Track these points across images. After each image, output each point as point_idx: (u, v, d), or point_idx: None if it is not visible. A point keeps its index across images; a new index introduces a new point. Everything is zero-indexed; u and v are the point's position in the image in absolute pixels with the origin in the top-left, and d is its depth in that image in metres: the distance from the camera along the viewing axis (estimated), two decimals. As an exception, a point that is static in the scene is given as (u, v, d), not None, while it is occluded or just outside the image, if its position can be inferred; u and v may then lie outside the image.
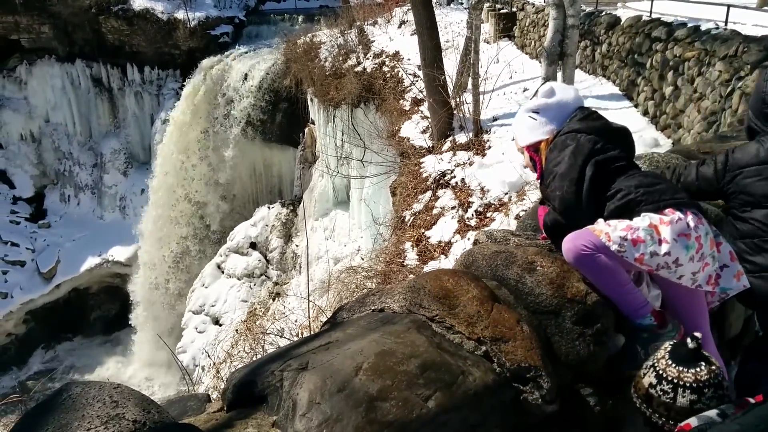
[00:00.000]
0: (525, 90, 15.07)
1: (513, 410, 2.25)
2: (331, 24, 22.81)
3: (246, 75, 24.58)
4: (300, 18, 29.50)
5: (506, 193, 10.74)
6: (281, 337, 7.99)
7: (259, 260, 22.05)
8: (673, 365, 2.07)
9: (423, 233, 11.23)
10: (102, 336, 27.91)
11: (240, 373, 2.19)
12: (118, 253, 27.70)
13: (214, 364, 9.04)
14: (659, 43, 11.49)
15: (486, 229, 4.98)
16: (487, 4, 20.35)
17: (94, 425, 1.77)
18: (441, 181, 12.40)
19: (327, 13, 24.49)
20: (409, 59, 17.78)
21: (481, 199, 11.00)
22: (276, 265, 22.00)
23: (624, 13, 14.51)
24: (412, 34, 18.17)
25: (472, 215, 10.84)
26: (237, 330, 13.13)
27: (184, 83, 26.42)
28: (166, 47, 28.22)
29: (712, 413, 1.94)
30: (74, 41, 28.23)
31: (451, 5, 25.64)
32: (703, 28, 10.58)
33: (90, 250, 27.67)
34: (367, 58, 19.59)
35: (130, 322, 26.48)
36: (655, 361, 2.13)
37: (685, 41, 10.60)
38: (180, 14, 27.88)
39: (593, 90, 13.64)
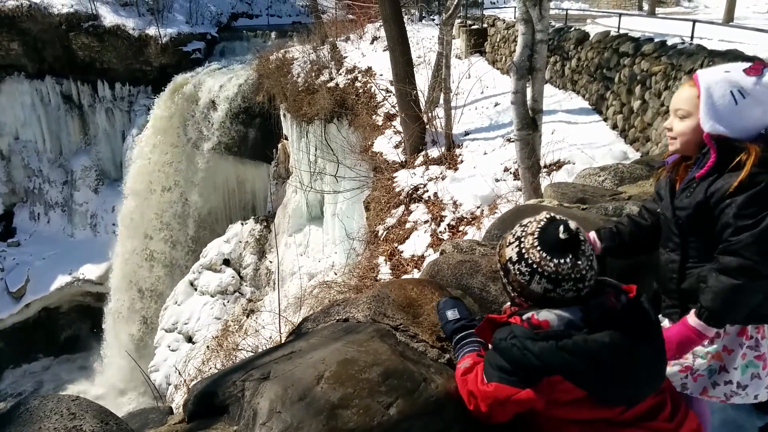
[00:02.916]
0: (496, 105, 15.23)
1: (477, 417, 2.25)
2: (303, 40, 22.91)
3: (218, 91, 24.50)
4: (273, 34, 29.54)
5: (478, 207, 10.81)
6: (254, 353, 7.93)
7: (233, 277, 21.89)
8: (539, 249, 1.97)
9: (396, 247, 11.24)
10: (73, 355, 27.42)
11: (202, 384, 2.17)
12: (89, 271, 27.32)
13: (185, 381, 8.93)
14: (627, 58, 11.68)
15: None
16: (458, 21, 20.55)
17: (50, 438, 1.75)
18: (414, 196, 12.45)
19: (299, 29, 24.62)
20: (381, 75, 17.87)
21: (454, 212, 11.05)
22: (250, 281, 21.85)
23: (593, 29, 14.75)
24: (384, 50, 18.27)
25: (445, 229, 10.88)
26: (208, 346, 13.01)
27: (156, 99, 26.25)
28: (138, 63, 28.11)
29: (572, 315, 1.91)
30: (44, 58, 27.91)
31: (423, 21, 25.86)
32: (670, 43, 10.78)
33: (60, 268, 27.25)
34: (340, 74, 19.66)
35: (101, 342, 26.09)
36: (523, 235, 2.04)
37: (652, 56, 10.79)
38: (151, 30, 27.80)
39: (563, 104, 13.81)
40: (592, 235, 2.84)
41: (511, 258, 2.02)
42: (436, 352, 2.30)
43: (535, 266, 1.96)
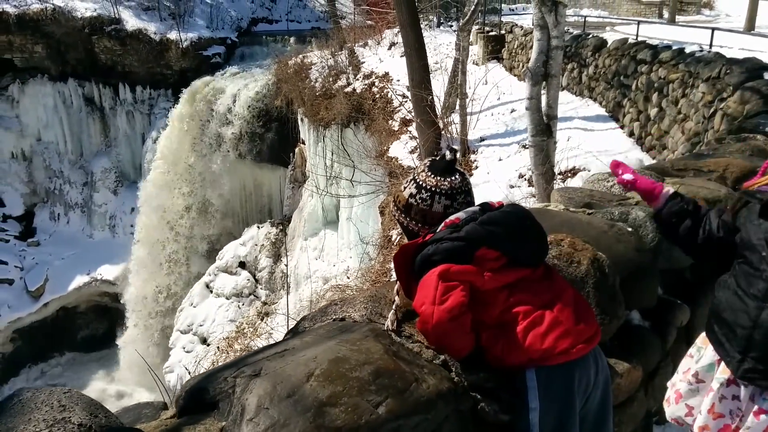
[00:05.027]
0: (512, 111, 15.19)
1: (471, 420, 2.23)
2: (322, 45, 23.00)
3: (237, 95, 24.66)
4: (292, 39, 29.72)
5: (492, 213, 10.75)
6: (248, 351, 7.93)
7: (248, 279, 21.97)
8: (432, 176, 2.42)
9: (409, 252, 11.19)
10: (89, 355, 27.63)
11: (194, 380, 2.17)
12: (107, 271, 27.57)
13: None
14: (644, 66, 11.61)
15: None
16: (475, 27, 20.53)
17: (39, 428, 1.76)
18: (428, 201, 12.40)
19: (318, 35, 24.71)
20: (398, 80, 17.90)
21: (467, 218, 11.00)
22: (265, 284, 21.91)
23: (611, 36, 14.67)
24: (401, 56, 18.30)
25: (458, 235, 10.83)
26: (219, 347, 13.04)
27: (176, 103, 26.47)
28: (159, 67, 28.41)
29: (473, 209, 2.35)
30: (67, 61, 28.31)
31: (441, 27, 25.87)
32: (688, 50, 10.69)
33: (79, 268, 27.51)
34: (357, 79, 19.72)
35: (117, 342, 26.30)
36: (415, 175, 2.46)
37: (670, 63, 10.71)
38: (172, 35, 28.08)
39: (580, 111, 13.75)
40: (668, 189, 2.90)
41: (411, 193, 2.43)
42: (431, 353, 2.29)
43: (433, 189, 2.40)
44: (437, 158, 2.49)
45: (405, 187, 2.47)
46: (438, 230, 2.33)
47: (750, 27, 16.81)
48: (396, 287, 2.50)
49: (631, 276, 3.03)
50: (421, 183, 2.41)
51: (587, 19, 18.84)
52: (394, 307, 2.44)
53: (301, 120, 21.33)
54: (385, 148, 15.71)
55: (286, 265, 20.41)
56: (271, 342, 8.49)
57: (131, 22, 28.25)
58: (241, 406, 1.90)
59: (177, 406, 2.13)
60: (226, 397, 2.01)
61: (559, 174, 10.47)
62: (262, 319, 19.32)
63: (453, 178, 2.42)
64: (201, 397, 2.07)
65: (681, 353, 3.19)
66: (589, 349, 2.26)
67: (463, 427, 2.19)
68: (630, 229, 3.28)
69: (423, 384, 2.06)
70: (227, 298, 21.64)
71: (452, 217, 2.34)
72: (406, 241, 2.50)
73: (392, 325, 2.39)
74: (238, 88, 24.84)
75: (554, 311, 2.24)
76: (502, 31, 20.66)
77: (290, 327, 7.06)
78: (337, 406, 1.87)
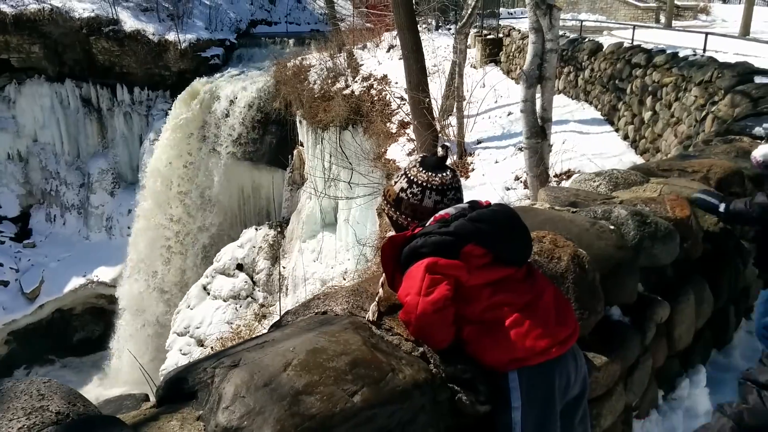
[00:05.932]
0: (509, 114, 15.24)
1: (449, 411, 2.26)
2: (321, 47, 23.05)
3: (236, 97, 24.65)
4: (291, 41, 29.73)
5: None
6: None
7: (246, 282, 21.94)
8: (423, 171, 2.43)
9: (405, 254, 11.21)
10: (85, 357, 27.54)
11: (174, 371, 2.20)
12: (104, 273, 27.48)
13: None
14: (639, 69, 11.67)
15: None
16: (474, 30, 20.58)
17: (17, 416, 1.79)
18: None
19: (317, 37, 24.75)
20: (396, 83, 17.95)
21: (462, 220, 11.03)
22: (262, 286, 21.89)
23: (606, 40, 14.73)
24: (400, 59, 18.33)
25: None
26: (212, 348, 13.05)
27: (174, 104, 26.45)
28: (157, 68, 28.36)
29: (463, 206, 2.37)
30: (64, 61, 28.30)
31: (439, 30, 25.90)
32: (681, 54, 10.76)
33: (75, 270, 27.43)
34: (356, 82, 19.76)
35: (112, 345, 26.23)
36: (407, 170, 2.48)
37: (664, 67, 10.78)
38: (171, 36, 28.06)
39: (576, 114, 13.80)
40: None
41: (402, 188, 2.44)
42: (410, 346, 2.32)
43: (425, 184, 2.41)
44: (426, 156, 2.52)
45: (396, 182, 2.49)
46: (428, 224, 2.36)
47: (745, 32, 16.90)
48: (381, 280, 2.54)
49: (611, 272, 3.07)
50: (412, 178, 2.43)
51: (584, 23, 18.89)
52: (377, 299, 2.47)
53: (300, 122, 21.37)
54: (382, 150, 15.76)
55: (283, 268, 20.42)
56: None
57: (129, 23, 28.20)
58: (218, 394, 1.93)
59: (157, 396, 2.16)
60: (204, 387, 2.03)
61: (554, 176, 10.52)
62: (259, 322, 19.32)
63: (444, 174, 2.44)
64: (180, 387, 2.10)
65: (660, 348, 3.23)
66: (566, 349, 2.31)
67: (439, 417, 2.21)
68: (612, 227, 3.32)
69: (399, 374, 2.09)
70: (224, 301, 21.61)
71: (442, 212, 2.36)
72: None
73: (373, 316, 2.42)
74: (237, 90, 24.84)
75: (534, 311, 2.28)
76: (500, 35, 20.73)
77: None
78: (313, 395, 1.90)
